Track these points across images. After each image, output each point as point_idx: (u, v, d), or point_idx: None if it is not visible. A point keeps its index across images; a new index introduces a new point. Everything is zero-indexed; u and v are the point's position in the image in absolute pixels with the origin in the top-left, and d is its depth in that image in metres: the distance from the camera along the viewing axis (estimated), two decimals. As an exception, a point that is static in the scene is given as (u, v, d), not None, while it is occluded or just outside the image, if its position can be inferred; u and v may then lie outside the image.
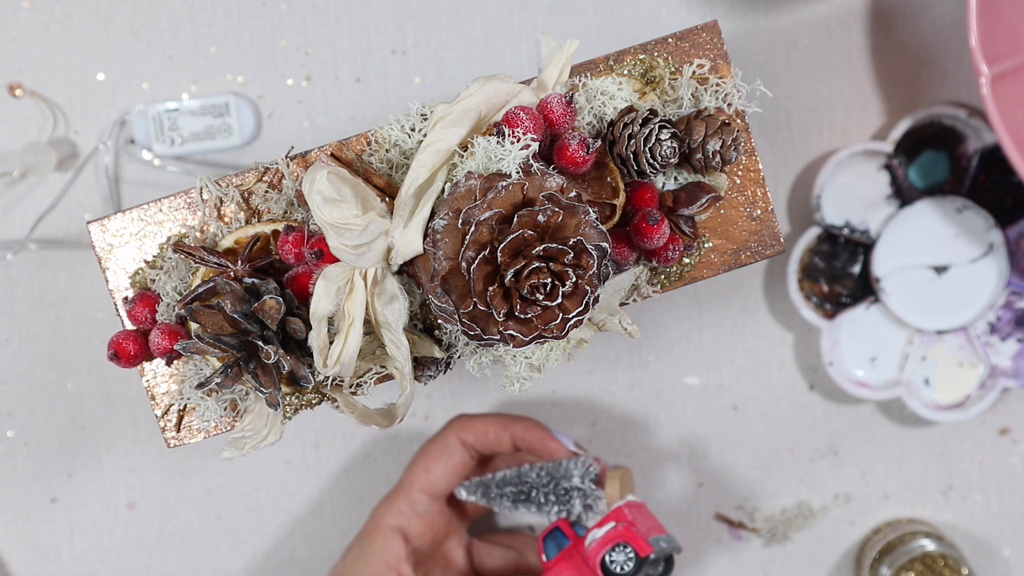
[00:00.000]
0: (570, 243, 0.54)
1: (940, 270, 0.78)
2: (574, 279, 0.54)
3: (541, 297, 0.54)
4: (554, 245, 0.53)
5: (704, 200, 0.60)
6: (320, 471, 0.82)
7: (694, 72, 0.61)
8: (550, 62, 0.59)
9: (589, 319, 0.60)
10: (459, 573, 0.76)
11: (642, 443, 0.82)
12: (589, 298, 0.55)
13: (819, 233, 0.78)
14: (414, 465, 0.73)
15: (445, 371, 0.61)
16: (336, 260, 0.57)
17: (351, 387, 0.61)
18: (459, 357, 0.61)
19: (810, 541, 0.83)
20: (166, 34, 0.77)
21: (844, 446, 0.82)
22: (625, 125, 0.59)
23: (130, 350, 0.60)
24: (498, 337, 0.55)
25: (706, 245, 0.62)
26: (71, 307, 0.79)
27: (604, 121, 0.60)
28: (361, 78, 0.78)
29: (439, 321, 0.59)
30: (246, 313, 0.57)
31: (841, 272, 0.79)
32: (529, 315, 0.54)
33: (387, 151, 0.60)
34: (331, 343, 0.58)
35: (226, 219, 0.62)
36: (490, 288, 0.54)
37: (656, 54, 0.62)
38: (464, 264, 0.54)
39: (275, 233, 0.60)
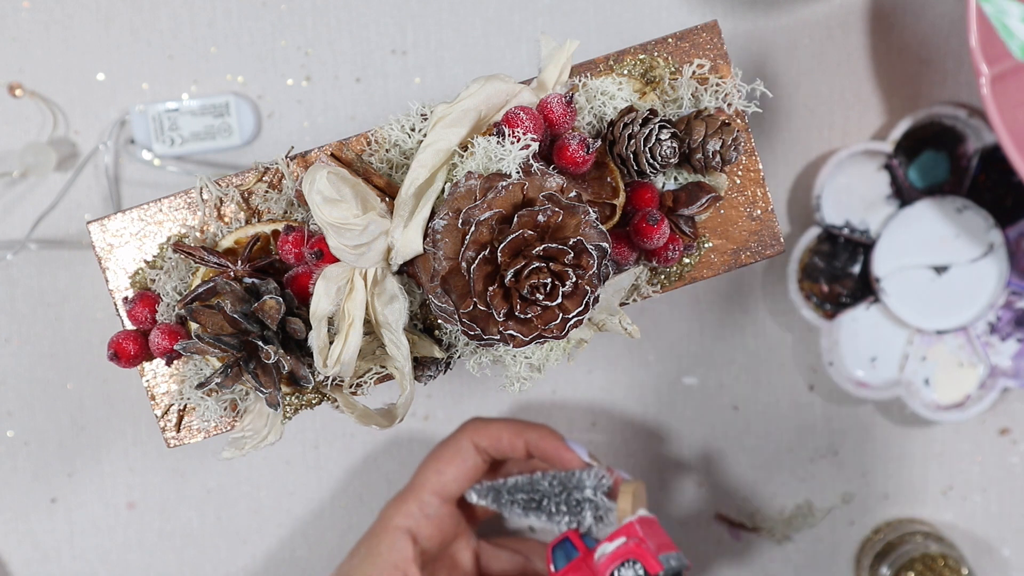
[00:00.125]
0: (570, 243, 0.54)
1: (940, 270, 0.78)
2: (574, 279, 0.54)
3: (541, 297, 0.54)
4: (554, 245, 0.53)
5: (704, 200, 0.60)
6: (320, 471, 0.81)
7: (694, 72, 0.61)
8: (550, 62, 0.59)
9: (589, 319, 0.60)
10: (466, 576, 0.76)
11: (642, 443, 0.82)
12: (589, 298, 0.54)
13: (819, 233, 0.77)
14: (426, 467, 0.73)
15: (445, 371, 0.61)
16: (336, 260, 0.57)
17: (351, 387, 0.61)
18: (459, 357, 0.61)
19: (810, 541, 0.83)
20: (166, 34, 0.77)
21: (844, 446, 0.82)
22: (625, 125, 0.59)
23: (130, 350, 0.60)
24: (498, 337, 0.54)
25: (706, 245, 0.62)
26: (71, 307, 0.79)
27: (604, 121, 0.60)
28: (361, 78, 0.78)
29: (439, 321, 0.59)
30: (246, 313, 0.57)
31: (841, 272, 0.78)
32: (529, 315, 0.54)
33: (387, 151, 0.60)
34: (331, 343, 0.58)
35: (226, 219, 0.61)
36: (490, 288, 0.54)
37: (656, 54, 0.61)
38: (464, 264, 0.54)
39: (275, 233, 0.60)
